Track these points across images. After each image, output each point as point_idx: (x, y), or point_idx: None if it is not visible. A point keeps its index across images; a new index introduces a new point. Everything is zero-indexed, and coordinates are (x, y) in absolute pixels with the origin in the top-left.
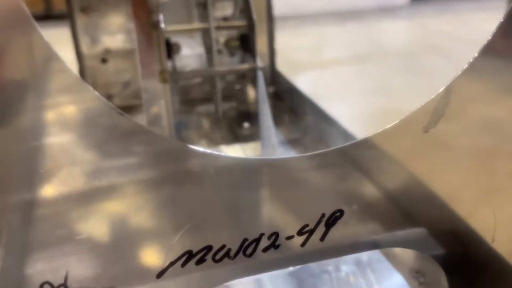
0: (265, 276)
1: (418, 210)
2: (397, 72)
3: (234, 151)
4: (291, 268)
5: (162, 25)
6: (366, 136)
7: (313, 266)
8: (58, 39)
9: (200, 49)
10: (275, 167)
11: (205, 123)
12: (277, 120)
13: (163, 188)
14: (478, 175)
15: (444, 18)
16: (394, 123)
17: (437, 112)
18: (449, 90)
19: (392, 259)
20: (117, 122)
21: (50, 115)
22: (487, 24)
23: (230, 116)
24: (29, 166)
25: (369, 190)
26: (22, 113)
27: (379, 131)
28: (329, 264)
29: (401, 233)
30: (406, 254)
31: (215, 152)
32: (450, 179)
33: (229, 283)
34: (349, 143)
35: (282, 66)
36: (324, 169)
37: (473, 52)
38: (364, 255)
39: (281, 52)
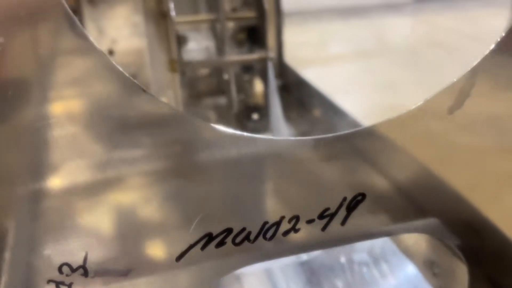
0: (276, 267)
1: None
2: (401, 67)
3: None
4: (303, 258)
5: (173, 13)
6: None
7: (325, 256)
8: None
9: (206, 43)
10: (294, 147)
11: (212, 116)
12: (285, 112)
13: (178, 172)
14: (497, 165)
15: (449, 14)
16: (418, 104)
17: (463, 92)
18: (475, 70)
19: (405, 250)
20: (125, 113)
21: (57, 106)
22: (492, 20)
23: (239, 108)
24: (37, 158)
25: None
26: (29, 104)
27: (399, 115)
28: (341, 255)
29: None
30: (420, 245)
31: (237, 132)
32: (467, 169)
33: (240, 273)
34: (370, 125)
35: (287, 61)
36: (346, 152)
37: (478, 48)
38: (377, 246)
39: (286, 47)
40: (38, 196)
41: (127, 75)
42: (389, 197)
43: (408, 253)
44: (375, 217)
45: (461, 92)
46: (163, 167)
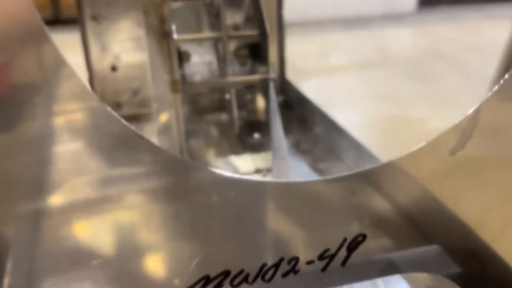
0: None
1: (437, 229)
2: (403, 78)
3: (244, 161)
4: None
5: (175, 36)
6: (390, 159)
7: None
8: (66, 44)
9: (209, 57)
10: (294, 190)
11: (214, 132)
12: (287, 130)
13: (172, 201)
14: (505, 199)
15: (451, 25)
16: (419, 146)
17: (465, 134)
18: (477, 112)
19: (407, 277)
20: (125, 130)
21: (58, 123)
22: (494, 32)
23: (240, 126)
24: (37, 175)
25: (391, 213)
26: (31, 120)
27: (404, 154)
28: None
29: (418, 251)
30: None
31: (231, 175)
32: (475, 202)
33: None
34: (372, 167)
35: (288, 72)
36: (346, 192)
37: (481, 59)
38: None
39: (287, 58)
40: (38, 214)
41: (125, 123)
42: (392, 223)
43: (410, 280)
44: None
45: (463, 134)
46: (163, 187)
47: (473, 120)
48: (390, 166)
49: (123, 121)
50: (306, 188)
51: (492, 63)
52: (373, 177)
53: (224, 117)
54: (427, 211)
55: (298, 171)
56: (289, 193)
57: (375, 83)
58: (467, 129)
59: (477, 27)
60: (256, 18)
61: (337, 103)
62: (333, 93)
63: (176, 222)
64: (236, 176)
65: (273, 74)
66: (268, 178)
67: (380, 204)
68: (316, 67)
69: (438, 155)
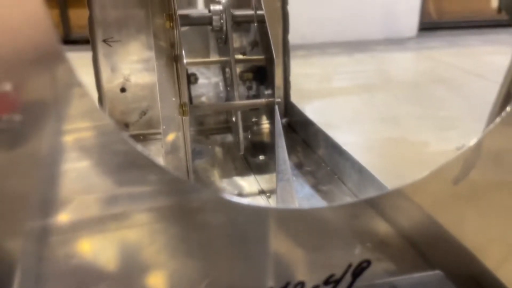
0: None
1: (440, 255)
2: (404, 101)
3: (249, 182)
4: None
5: (184, 61)
6: (396, 187)
7: None
8: (76, 64)
9: (215, 78)
10: (299, 216)
11: (219, 153)
12: (290, 151)
13: (177, 220)
14: (508, 227)
15: (452, 50)
16: (424, 175)
17: (468, 164)
18: (480, 142)
19: None
20: (133, 150)
21: (68, 141)
22: (494, 57)
23: (245, 147)
24: (46, 192)
25: (395, 239)
26: (42, 137)
27: (409, 182)
28: None
29: (421, 276)
30: None
31: (237, 199)
32: (478, 229)
33: None
34: (377, 194)
35: (292, 94)
36: (351, 218)
37: (480, 85)
38: None
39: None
40: (46, 232)
41: (134, 144)
42: (396, 248)
43: None
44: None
45: (466, 163)
46: (169, 206)
47: (476, 150)
48: (395, 194)
49: (132, 142)
50: (312, 214)
51: (492, 88)
52: (378, 204)
53: (229, 137)
54: (430, 237)
55: (301, 191)
56: (294, 219)
57: (376, 105)
58: (470, 159)
59: (477, 52)
60: (262, 43)
61: (339, 125)
62: (335, 115)
63: (181, 241)
64: (242, 201)
65: (278, 98)
66: (273, 203)
67: (384, 230)
68: (319, 90)
69: (442, 183)
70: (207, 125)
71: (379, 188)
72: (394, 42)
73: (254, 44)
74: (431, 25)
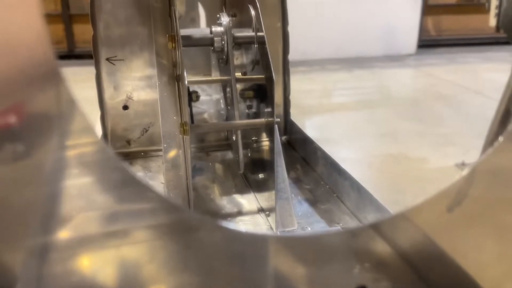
0: None
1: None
2: (404, 118)
3: (248, 200)
4: None
5: (186, 82)
6: (398, 212)
7: None
8: (80, 78)
9: (216, 95)
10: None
11: (219, 170)
12: (289, 169)
13: (177, 238)
14: (504, 252)
15: (450, 67)
16: (421, 201)
17: (461, 192)
18: (473, 171)
19: None
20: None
21: (68, 157)
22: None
23: (245, 164)
24: (47, 209)
25: (395, 262)
26: (42, 154)
27: (409, 208)
28: None
29: None
30: None
31: (235, 228)
32: (475, 252)
33: None
34: (379, 220)
35: (292, 110)
36: (351, 243)
37: (479, 101)
38: None
39: (291, 96)
40: (46, 248)
41: (130, 171)
42: (394, 271)
43: None
44: None
45: (459, 192)
46: (168, 222)
47: (469, 179)
48: (397, 218)
49: (129, 169)
50: (311, 240)
51: (491, 104)
52: (379, 227)
53: (229, 154)
54: (429, 259)
55: (300, 209)
56: (293, 245)
57: (376, 121)
58: (463, 187)
59: (476, 69)
60: (263, 63)
61: (339, 141)
62: (335, 131)
63: (180, 259)
64: (240, 228)
65: (278, 118)
66: (272, 222)
67: (383, 253)
68: (319, 105)
69: (441, 207)
70: (208, 142)
71: (377, 208)
72: (394, 59)
73: (255, 63)
74: (430, 42)
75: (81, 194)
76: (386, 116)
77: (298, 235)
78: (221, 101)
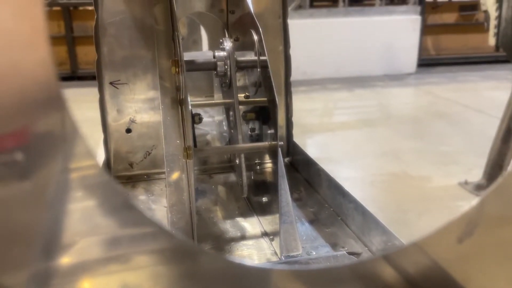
0: None
1: None
2: (405, 137)
3: (251, 224)
4: None
5: (190, 107)
6: (410, 242)
7: None
8: (83, 99)
9: (219, 117)
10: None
11: (222, 193)
12: (293, 191)
13: (179, 263)
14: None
15: (451, 86)
16: (431, 232)
17: (472, 223)
18: (483, 202)
19: None
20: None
21: (71, 180)
22: (493, 93)
23: (248, 187)
24: (49, 233)
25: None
26: (45, 176)
27: (420, 238)
28: None
29: None
30: None
31: (238, 261)
32: (488, 283)
33: None
34: (388, 251)
35: (294, 129)
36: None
37: (480, 119)
38: None
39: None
40: (48, 274)
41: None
42: None
43: None
44: None
45: (469, 223)
46: (171, 247)
47: (479, 209)
48: (406, 249)
49: (129, 195)
50: (318, 273)
51: (492, 123)
52: (388, 258)
53: (232, 177)
54: (437, 286)
55: (304, 233)
56: (300, 278)
57: (377, 140)
58: (473, 218)
59: (476, 87)
60: (265, 86)
61: (340, 160)
62: (337, 150)
63: (183, 285)
64: (246, 262)
65: (281, 141)
66: (276, 246)
67: (393, 281)
68: (321, 124)
69: (449, 239)
70: (211, 164)
71: (383, 232)
72: (394, 78)
73: (258, 86)
74: (429, 61)
75: (84, 218)
76: (387, 135)
77: (304, 268)
78: (224, 123)
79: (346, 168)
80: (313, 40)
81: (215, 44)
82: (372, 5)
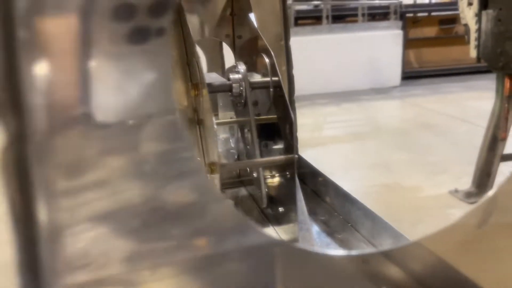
0: None
1: None
2: (394, 148)
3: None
4: None
5: (215, 126)
6: (416, 239)
7: None
8: None
9: (224, 135)
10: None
11: (237, 206)
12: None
13: (203, 270)
14: None
15: (435, 97)
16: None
17: (486, 213)
18: (496, 194)
19: None
20: (155, 206)
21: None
22: (476, 102)
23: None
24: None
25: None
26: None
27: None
28: None
29: None
30: None
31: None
32: (499, 277)
33: None
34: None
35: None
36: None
37: (466, 129)
38: None
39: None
40: None
41: None
42: None
43: None
44: None
45: (485, 212)
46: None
47: (493, 201)
48: (413, 246)
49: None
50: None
51: (478, 131)
52: (396, 255)
53: (242, 191)
54: (446, 284)
55: (318, 240)
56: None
57: (367, 152)
58: (488, 208)
59: (459, 98)
60: (279, 104)
61: (333, 172)
62: (329, 163)
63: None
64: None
65: (296, 154)
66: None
67: (399, 278)
68: (312, 139)
69: (459, 235)
70: (221, 180)
71: (392, 234)
72: (380, 91)
73: (270, 105)
74: (413, 74)
75: (101, 241)
76: (376, 147)
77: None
78: (230, 140)
79: (340, 180)
80: (300, 58)
81: (214, 66)
82: (355, 21)
